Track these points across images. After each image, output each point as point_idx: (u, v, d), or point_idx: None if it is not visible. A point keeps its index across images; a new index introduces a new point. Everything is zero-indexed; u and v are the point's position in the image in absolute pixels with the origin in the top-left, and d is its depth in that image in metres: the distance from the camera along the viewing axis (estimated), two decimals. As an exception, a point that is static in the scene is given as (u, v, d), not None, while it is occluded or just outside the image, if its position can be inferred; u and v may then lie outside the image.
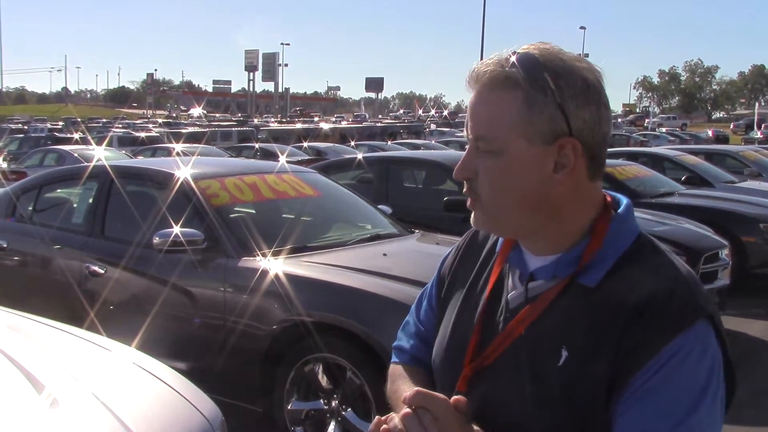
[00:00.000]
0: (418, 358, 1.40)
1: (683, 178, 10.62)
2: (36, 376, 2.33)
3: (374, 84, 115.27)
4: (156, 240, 4.14)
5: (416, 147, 22.76)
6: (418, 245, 4.80)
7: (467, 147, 1.19)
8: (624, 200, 1.22)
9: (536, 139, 1.11)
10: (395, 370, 1.42)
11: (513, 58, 1.12)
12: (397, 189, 7.93)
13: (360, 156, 8.89)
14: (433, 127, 51.62)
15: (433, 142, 29.06)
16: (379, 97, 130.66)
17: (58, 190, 5.75)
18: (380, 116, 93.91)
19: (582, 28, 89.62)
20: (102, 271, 4.62)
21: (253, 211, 4.89)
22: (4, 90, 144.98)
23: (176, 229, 4.17)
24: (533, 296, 1.17)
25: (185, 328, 4.26)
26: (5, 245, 5.25)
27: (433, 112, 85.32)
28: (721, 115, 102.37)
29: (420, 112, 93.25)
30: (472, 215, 1.20)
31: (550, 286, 1.16)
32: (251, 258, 4.10)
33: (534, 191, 1.14)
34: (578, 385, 1.08)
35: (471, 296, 1.29)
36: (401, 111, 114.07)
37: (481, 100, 1.14)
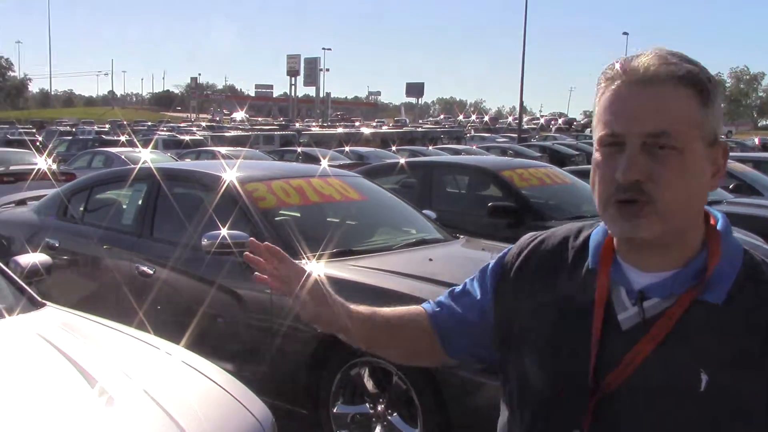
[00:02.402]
0: (438, 317, 1.39)
1: (731, 186, 10.39)
2: (90, 372, 2.38)
3: (415, 89, 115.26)
4: (204, 242, 4.18)
5: (457, 152, 22.71)
6: (464, 251, 4.78)
7: (628, 149, 1.08)
8: (718, 214, 1.19)
9: (705, 140, 1.09)
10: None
11: (675, 55, 1.11)
12: (440, 194, 7.91)
13: (402, 161, 8.88)
14: (473, 132, 51.51)
15: (474, 147, 28.98)
16: (420, 102, 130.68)
17: (108, 192, 5.85)
18: (420, 121, 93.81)
19: (625, 33, 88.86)
20: (151, 272, 4.69)
21: (298, 215, 4.92)
22: (53, 93, 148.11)
23: (223, 231, 4.21)
24: (651, 316, 1.11)
25: (232, 329, 4.29)
26: (57, 244, 5.36)
27: (473, 117, 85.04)
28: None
29: (460, 117, 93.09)
30: (638, 222, 1.09)
31: (669, 305, 1.11)
32: (297, 261, 4.11)
33: (701, 195, 1.11)
34: (726, 408, 1.05)
35: (565, 316, 1.19)
36: (441, 116, 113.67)
37: (659, 95, 1.08)
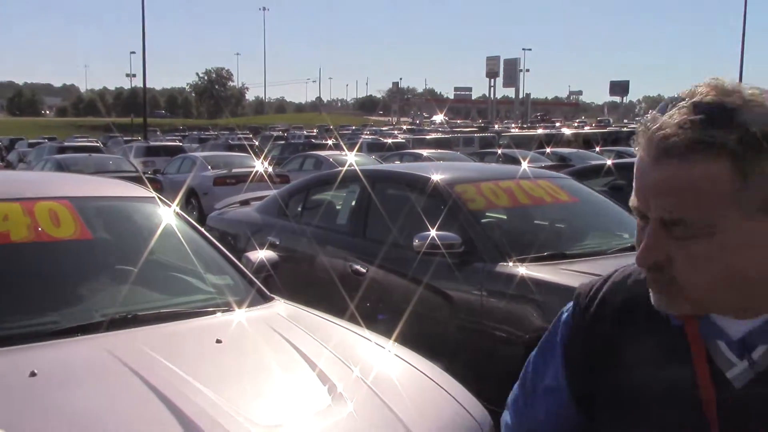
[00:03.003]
0: None
1: None
2: (317, 363, 2.50)
3: (619, 87, 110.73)
4: (415, 242, 4.27)
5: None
6: None
7: (649, 226, 0.95)
8: None
9: (753, 209, 0.90)
10: None
11: (697, 116, 0.89)
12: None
13: (609, 162, 8.56)
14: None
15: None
16: (624, 100, 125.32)
17: (323, 193, 6.14)
18: (625, 120, 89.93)
19: None
20: (364, 270, 4.86)
21: (505, 217, 4.89)
22: (266, 101, 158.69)
23: (433, 233, 4.28)
24: (765, 368, 0.96)
25: (441, 329, 4.34)
26: (278, 242, 5.71)
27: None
28: None
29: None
30: (664, 298, 0.97)
31: None
32: (508, 264, 4.09)
33: (757, 269, 0.92)
34: None
35: (655, 384, 1.03)
36: (648, 115, 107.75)
37: (671, 173, 0.90)
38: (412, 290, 4.48)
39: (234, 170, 15.26)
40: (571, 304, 1.18)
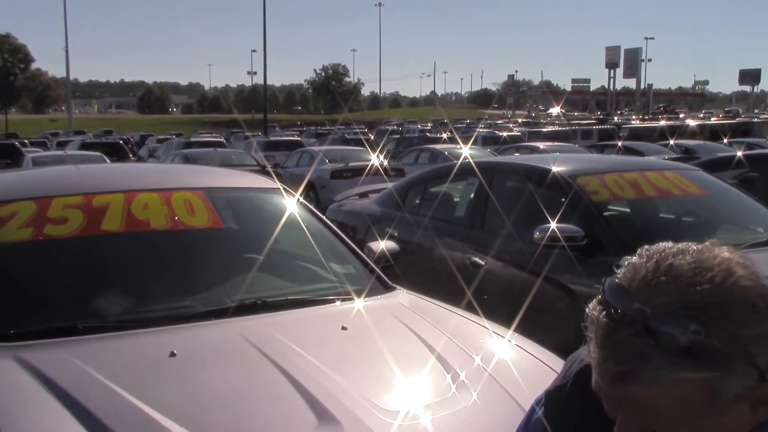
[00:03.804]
0: None
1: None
2: (440, 352, 2.53)
3: (749, 76, 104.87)
4: (536, 234, 4.22)
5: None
6: None
7: (619, 421, 0.89)
8: None
9: (728, 404, 0.82)
10: None
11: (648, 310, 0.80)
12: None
13: (740, 153, 8.18)
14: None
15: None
16: (755, 89, 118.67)
17: (441, 186, 6.16)
18: (756, 111, 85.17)
19: None
20: (482, 262, 4.84)
21: (629, 210, 4.75)
22: (381, 95, 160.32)
23: (554, 225, 4.21)
24: None
25: (561, 322, 4.27)
26: (396, 234, 5.77)
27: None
28: None
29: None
30: None
31: None
32: (633, 259, 3.97)
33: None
34: None
35: None
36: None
37: (638, 397, 0.83)
38: (531, 283, 4.43)
39: (351, 164, 15.52)
40: (542, 407, 1.15)
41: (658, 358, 0.78)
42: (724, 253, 0.81)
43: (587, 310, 0.85)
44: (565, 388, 1.09)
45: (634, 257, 0.83)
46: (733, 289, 0.79)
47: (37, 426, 2.05)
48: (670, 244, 0.83)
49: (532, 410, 1.16)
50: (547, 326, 4.30)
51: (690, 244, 0.83)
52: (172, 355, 2.43)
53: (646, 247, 0.82)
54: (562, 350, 4.18)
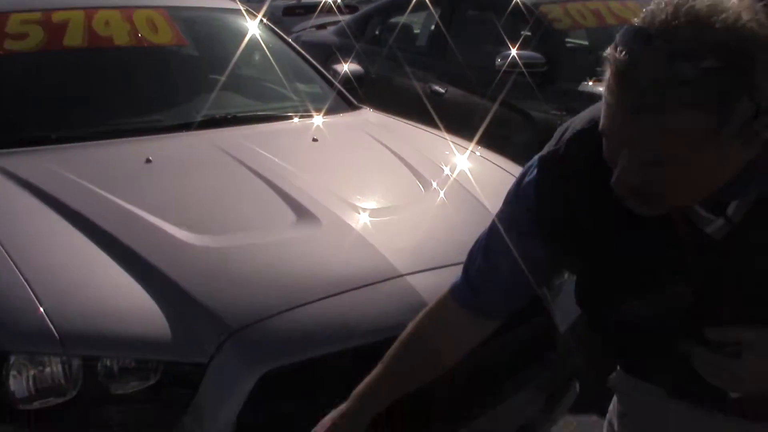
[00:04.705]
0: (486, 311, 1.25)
1: None
2: (410, 162, 2.64)
3: None
4: (498, 61, 4.27)
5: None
6: None
7: (623, 155, 0.94)
8: None
9: (733, 134, 0.88)
10: (446, 312, 1.27)
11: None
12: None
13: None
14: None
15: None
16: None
17: (402, 16, 6.07)
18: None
19: None
20: (443, 91, 4.89)
21: (588, 38, 4.81)
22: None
23: (515, 52, 4.25)
24: (740, 219, 1.00)
25: (522, 147, 4.41)
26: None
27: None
28: None
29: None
30: (640, 208, 0.99)
31: (752, 203, 0.99)
32: (588, 83, 4.08)
33: (732, 171, 0.95)
34: None
35: (635, 244, 1.06)
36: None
37: (653, 130, 0.88)
38: (490, 108, 4.52)
39: (303, 0, 15.01)
40: (534, 170, 1.17)
41: (675, 89, 0.84)
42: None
43: (604, 53, 0.91)
44: (559, 152, 1.13)
45: (651, 5, 0.90)
46: (748, 28, 0.85)
47: (26, 227, 2.10)
48: None
49: (523, 175, 1.20)
50: (507, 150, 4.45)
51: None
52: (148, 161, 2.49)
53: None
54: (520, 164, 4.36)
